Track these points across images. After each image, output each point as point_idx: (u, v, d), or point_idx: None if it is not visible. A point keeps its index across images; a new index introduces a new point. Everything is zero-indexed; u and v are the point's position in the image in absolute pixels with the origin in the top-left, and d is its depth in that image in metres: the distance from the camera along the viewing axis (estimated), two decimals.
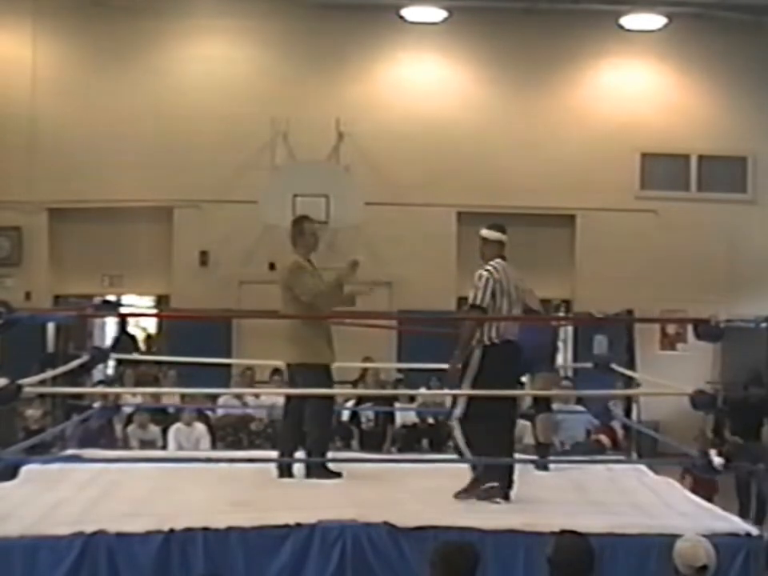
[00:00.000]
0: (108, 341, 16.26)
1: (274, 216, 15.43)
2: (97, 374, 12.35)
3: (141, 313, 16.10)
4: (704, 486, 9.47)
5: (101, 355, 9.89)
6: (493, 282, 7.34)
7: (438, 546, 5.31)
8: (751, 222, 16.85)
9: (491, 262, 7.44)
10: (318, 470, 7.98)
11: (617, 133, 16.68)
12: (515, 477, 7.38)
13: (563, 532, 5.31)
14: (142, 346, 17.38)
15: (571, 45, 16.64)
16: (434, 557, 5.15)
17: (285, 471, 8.01)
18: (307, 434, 8.15)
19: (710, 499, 8.14)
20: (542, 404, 9.24)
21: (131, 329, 17.30)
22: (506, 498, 7.23)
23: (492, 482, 7.23)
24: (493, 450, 7.30)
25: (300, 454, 8.24)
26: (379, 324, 13.23)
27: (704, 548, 5.45)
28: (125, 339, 16.22)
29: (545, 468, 8.48)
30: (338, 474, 7.98)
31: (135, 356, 14.53)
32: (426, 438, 14.30)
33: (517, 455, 9.22)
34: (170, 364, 13.76)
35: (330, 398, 8.47)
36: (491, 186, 16.37)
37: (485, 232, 7.56)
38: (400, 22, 16.54)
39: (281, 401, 14.30)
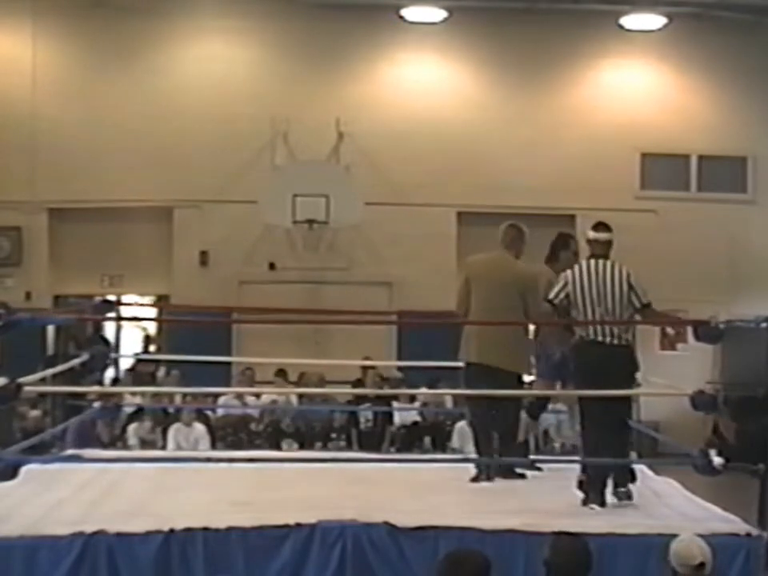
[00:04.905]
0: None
1: (274, 216, 15.46)
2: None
3: (147, 316, 16.00)
4: None
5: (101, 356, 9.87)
6: None
7: (448, 554, 5.17)
8: (751, 222, 16.83)
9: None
10: (505, 470, 7.97)
11: (617, 133, 16.67)
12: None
13: (559, 533, 5.27)
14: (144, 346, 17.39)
15: (571, 45, 16.62)
16: (441, 565, 5.01)
17: (483, 474, 7.90)
18: (500, 435, 8.16)
19: None
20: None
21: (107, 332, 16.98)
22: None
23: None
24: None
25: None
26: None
27: (698, 545, 5.40)
28: (97, 341, 16.00)
29: (538, 468, 8.44)
30: (522, 476, 8.00)
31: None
32: (428, 437, 14.29)
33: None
34: (170, 363, 13.75)
35: (519, 402, 8.35)
36: (491, 186, 16.35)
37: (604, 236, 7.65)
38: (400, 21, 16.53)
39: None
